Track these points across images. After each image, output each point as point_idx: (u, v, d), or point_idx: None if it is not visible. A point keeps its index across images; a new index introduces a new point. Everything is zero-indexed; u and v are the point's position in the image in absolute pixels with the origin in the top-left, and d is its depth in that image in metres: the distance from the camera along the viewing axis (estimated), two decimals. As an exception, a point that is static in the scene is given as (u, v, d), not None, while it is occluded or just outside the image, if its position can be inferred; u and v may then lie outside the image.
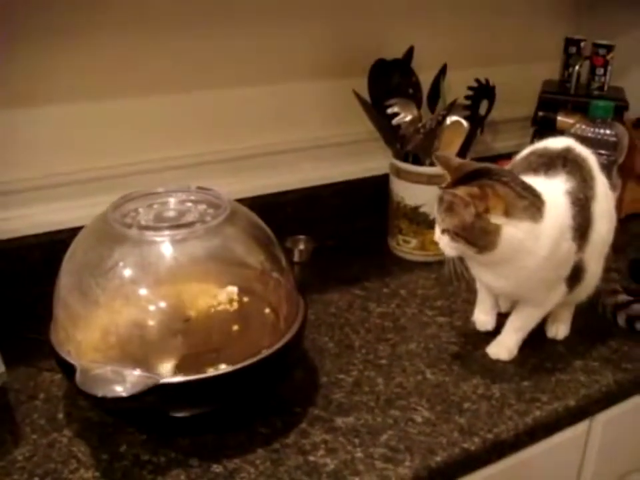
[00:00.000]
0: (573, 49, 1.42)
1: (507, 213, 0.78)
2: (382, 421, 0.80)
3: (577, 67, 1.39)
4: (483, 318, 0.97)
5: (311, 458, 0.74)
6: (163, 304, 0.78)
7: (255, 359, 0.73)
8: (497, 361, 0.91)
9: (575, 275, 0.87)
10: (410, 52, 1.21)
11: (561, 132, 1.13)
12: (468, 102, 1.20)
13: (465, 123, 1.17)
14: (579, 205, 0.84)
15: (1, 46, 0.95)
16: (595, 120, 1.13)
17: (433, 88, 1.23)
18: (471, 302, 1.00)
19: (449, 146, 1.15)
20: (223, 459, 0.74)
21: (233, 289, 0.80)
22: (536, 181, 0.84)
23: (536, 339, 0.93)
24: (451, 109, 1.13)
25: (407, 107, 1.16)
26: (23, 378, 0.86)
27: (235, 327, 0.78)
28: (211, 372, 0.72)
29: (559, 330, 0.96)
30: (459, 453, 0.76)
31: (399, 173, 1.17)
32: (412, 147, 1.15)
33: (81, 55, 1.01)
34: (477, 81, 1.21)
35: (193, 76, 1.11)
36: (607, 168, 0.97)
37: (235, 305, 0.79)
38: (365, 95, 1.17)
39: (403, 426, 0.79)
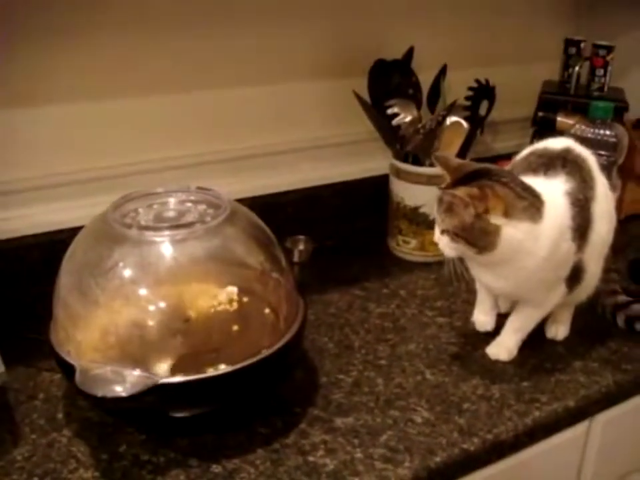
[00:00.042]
0: (573, 50, 1.42)
1: (507, 214, 0.78)
2: (381, 421, 0.80)
3: (576, 68, 1.40)
4: (482, 318, 0.97)
5: (311, 458, 0.74)
6: (162, 304, 0.78)
7: (254, 359, 0.73)
8: (497, 362, 0.91)
9: (575, 276, 0.87)
10: (410, 52, 1.21)
11: (560, 132, 1.12)
12: (468, 102, 1.20)
13: (464, 123, 1.17)
14: (579, 205, 0.84)
15: (1, 46, 0.95)
16: (595, 121, 1.12)
17: (433, 88, 1.23)
18: (470, 302, 1.00)
19: (449, 146, 1.15)
20: (222, 459, 0.74)
21: (233, 289, 0.80)
22: (535, 182, 0.84)
23: (535, 340, 0.93)
24: (451, 109, 1.13)
25: (406, 108, 1.16)
26: (23, 378, 0.86)
27: (235, 327, 0.78)
28: (210, 372, 0.72)
29: (559, 330, 0.96)
30: (458, 453, 0.76)
31: (399, 174, 1.17)
32: (412, 148, 1.15)
33: (81, 55, 1.01)
34: (477, 81, 1.21)
35: (193, 76, 1.11)
36: (606, 169, 0.97)
37: (235, 305, 0.79)
38: (365, 95, 1.17)
39: (403, 426, 0.79)
